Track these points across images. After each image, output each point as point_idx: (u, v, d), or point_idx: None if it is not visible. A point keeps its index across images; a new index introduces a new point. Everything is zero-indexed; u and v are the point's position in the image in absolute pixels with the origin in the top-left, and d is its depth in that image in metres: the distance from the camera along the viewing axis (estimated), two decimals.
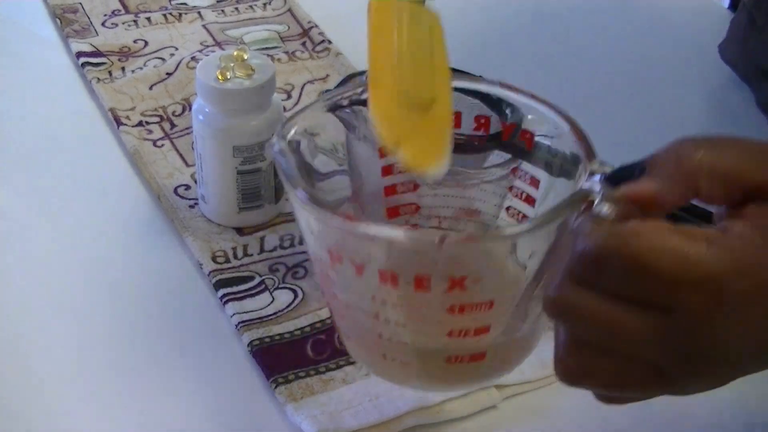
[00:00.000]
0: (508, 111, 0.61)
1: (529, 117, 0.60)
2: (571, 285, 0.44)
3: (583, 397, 0.61)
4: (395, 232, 0.47)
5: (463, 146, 0.59)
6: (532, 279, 0.49)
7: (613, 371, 0.45)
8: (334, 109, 0.55)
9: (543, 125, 0.59)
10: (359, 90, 0.56)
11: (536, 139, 0.56)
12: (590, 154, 0.50)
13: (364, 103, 0.59)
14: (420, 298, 0.48)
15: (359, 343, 0.54)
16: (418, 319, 0.49)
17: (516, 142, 0.58)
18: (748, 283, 0.42)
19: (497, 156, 0.60)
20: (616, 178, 0.47)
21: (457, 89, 0.62)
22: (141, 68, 0.84)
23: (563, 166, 0.53)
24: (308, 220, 0.49)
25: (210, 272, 0.66)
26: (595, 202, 0.46)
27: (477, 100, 0.62)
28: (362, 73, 0.62)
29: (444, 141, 0.49)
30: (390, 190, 0.59)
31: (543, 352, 0.62)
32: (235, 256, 0.68)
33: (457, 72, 0.62)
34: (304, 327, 0.63)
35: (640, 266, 0.42)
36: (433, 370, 0.52)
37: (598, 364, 0.45)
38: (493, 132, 0.59)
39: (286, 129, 0.52)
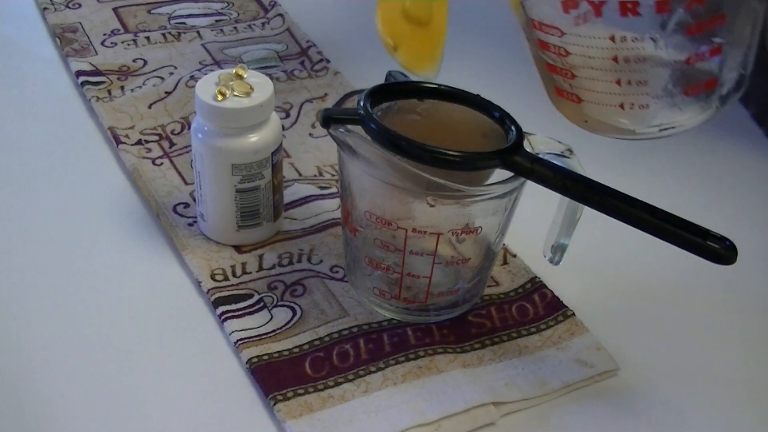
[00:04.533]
0: (512, 127, 0.61)
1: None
2: None
3: (580, 415, 0.61)
4: None
5: (465, 163, 0.59)
6: None
7: None
8: None
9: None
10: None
11: None
12: None
13: (358, 122, 0.60)
14: (659, 24, 0.48)
15: (593, 97, 0.52)
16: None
17: (518, 159, 0.59)
18: None
19: (499, 174, 0.60)
20: None
21: (462, 103, 0.63)
22: (140, 87, 0.85)
23: None
24: None
25: (209, 290, 0.67)
26: None
27: (485, 117, 0.63)
28: (360, 91, 0.63)
29: (436, 52, 0.57)
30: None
31: (540, 369, 0.62)
32: (234, 274, 0.68)
33: (456, 90, 0.63)
34: (303, 344, 0.63)
35: None
36: (670, 107, 0.51)
37: None
38: (495, 149, 0.60)
39: None
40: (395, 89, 0.64)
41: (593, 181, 0.58)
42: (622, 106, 0.50)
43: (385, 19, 0.57)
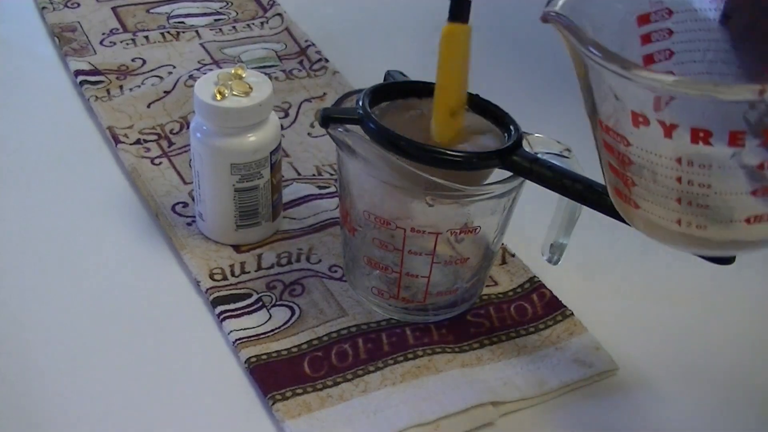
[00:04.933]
0: (511, 127, 0.61)
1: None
2: None
3: (579, 415, 0.61)
4: (710, 86, 0.45)
5: (464, 163, 0.59)
6: None
7: None
8: None
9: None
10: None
11: None
12: None
13: (357, 121, 0.60)
14: (729, 155, 0.47)
15: (651, 207, 0.51)
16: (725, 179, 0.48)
17: (517, 159, 0.59)
18: None
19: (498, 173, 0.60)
20: None
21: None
22: (139, 86, 0.85)
23: None
24: (609, 82, 0.48)
25: (207, 289, 0.67)
26: None
27: (484, 117, 0.63)
28: (359, 91, 0.63)
29: (459, 131, 0.62)
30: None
31: (539, 369, 0.62)
32: (233, 274, 0.68)
33: None
34: (302, 344, 0.63)
35: None
36: (730, 232, 0.50)
37: None
38: (494, 149, 0.60)
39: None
40: (394, 89, 0.64)
41: (592, 180, 0.58)
42: (679, 222, 0.50)
43: (438, 123, 0.61)
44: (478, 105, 0.63)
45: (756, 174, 0.47)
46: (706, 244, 0.51)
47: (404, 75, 0.67)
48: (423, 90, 0.64)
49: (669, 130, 0.47)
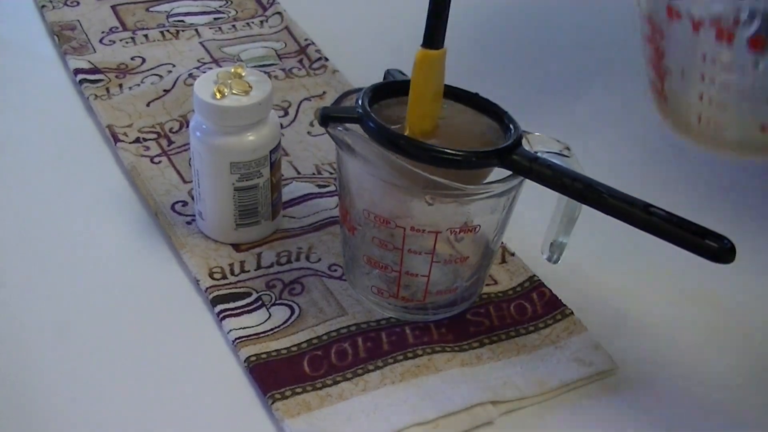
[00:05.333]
0: (511, 126, 0.61)
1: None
2: None
3: (579, 415, 0.61)
4: None
5: (463, 162, 0.59)
6: None
7: None
8: None
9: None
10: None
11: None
12: None
13: (356, 120, 0.60)
14: (751, 60, 0.47)
15: (676, 101, 0.52)
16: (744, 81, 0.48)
17: (516, 158, 0.59)
18: None
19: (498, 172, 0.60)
20: None
21: (461, 102, 0.63)
22: (138, 85, 0.85)
23: None
24: None
25: (207, 288, 0.67)
26: None
27: (484, 116, 0.63)
28: (358, 90, 0.63)
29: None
30: None
31: (538, 368, 0.62)
32: (232, 273, 0.68)
33: (455, 89, 0.63)
34: (301, 343, 0.63)
35: None
36: (748, 137, 0.51)
37: None
38: (494, 148, 0.60)
39: None
40: (394, 87, 0.64)
41: (591, 179, 0.58)
42: (699, 118, 0.50)
43: None
44: (478, 104, 0.63)
45: None
46: (724, 146, 0.51)
47: (404, 74, 0.67)
48: None
49: (697, 25, 0.47)
